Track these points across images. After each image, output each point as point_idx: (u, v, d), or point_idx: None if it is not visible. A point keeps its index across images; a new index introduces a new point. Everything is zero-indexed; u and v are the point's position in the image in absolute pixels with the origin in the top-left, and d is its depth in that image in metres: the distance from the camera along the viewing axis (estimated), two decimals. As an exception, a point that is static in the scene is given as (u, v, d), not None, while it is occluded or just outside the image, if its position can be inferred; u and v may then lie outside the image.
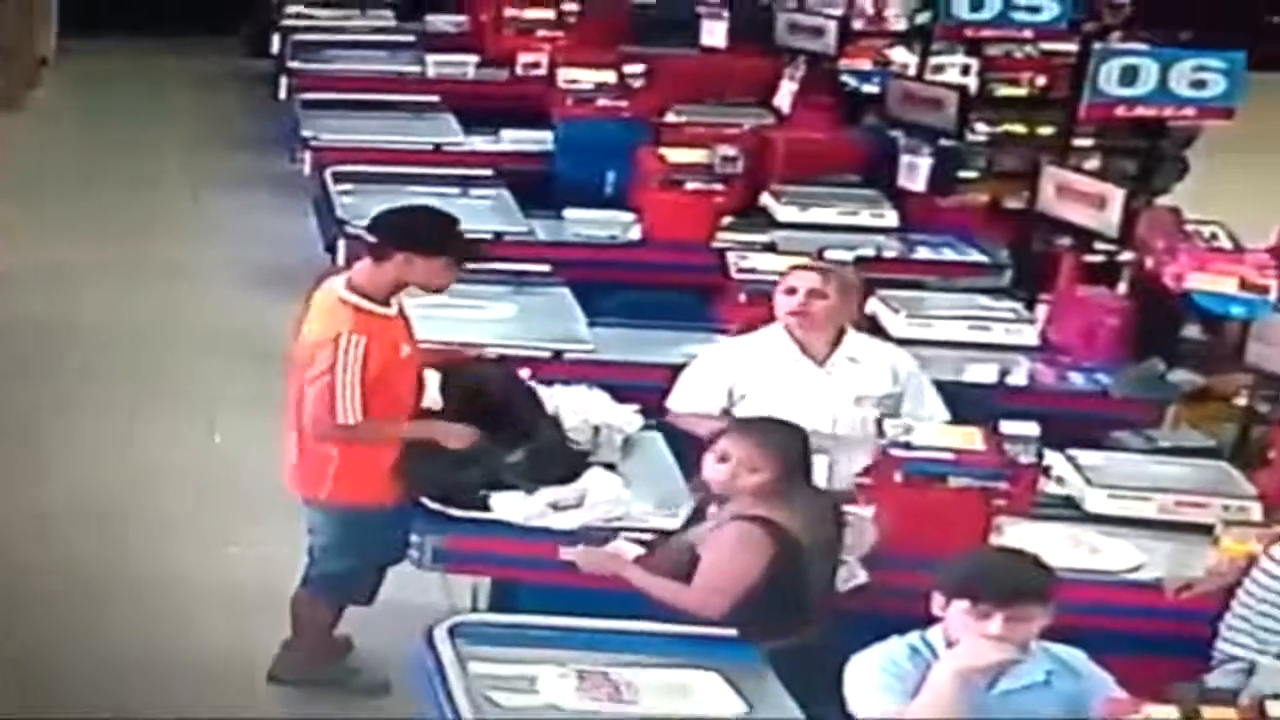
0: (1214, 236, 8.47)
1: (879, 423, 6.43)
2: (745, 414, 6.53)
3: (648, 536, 6.01)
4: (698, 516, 5.90)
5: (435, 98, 11.92)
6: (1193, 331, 8.27)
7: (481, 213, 9.53)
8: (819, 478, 6.05)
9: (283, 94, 12.56)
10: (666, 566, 5.75)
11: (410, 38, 13.63)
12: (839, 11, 12.30)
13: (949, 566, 4.88)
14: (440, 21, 14.19)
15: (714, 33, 12.68)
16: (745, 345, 6.85)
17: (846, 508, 5.96)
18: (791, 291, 6.71)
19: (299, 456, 6.60)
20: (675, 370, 7.42)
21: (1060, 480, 6.69)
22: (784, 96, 11.47)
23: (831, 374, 6.67)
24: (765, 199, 9.96)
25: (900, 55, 12.29)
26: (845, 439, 6.50)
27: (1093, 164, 10.44)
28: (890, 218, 9.91)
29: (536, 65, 12.24)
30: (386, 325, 6.46)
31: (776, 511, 5.64)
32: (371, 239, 6.61)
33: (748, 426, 5.94)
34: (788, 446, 5.77)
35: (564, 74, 11.64)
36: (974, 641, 4.67)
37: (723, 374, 6.75)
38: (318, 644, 6.88)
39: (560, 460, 6.41)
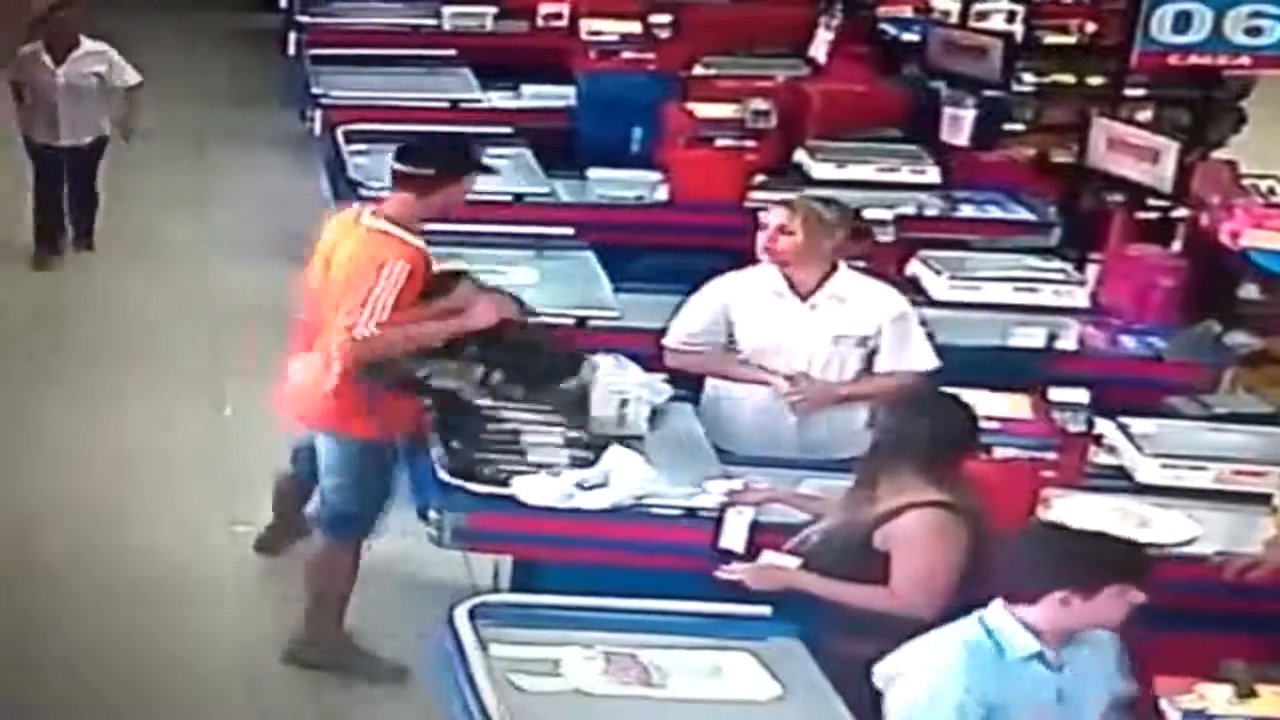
0: (1272, 191, 8.50)
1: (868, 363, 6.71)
2: (739, 348, 6.85)
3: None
4: (852, 502, 5.78)
5: (451, 51, 11.92)
6: (1250, 291, 8.30)
7: (501, 173, 9.54)
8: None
9: (291, 49, 12.57)
10: (830, 566, 5.65)
11: (425, -12, 13.63)
12: (877, -45, 12.31)
13: (1097, 555, 4.82)
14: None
15: (745, -21, 12.67)
16: (739, 280, 7.03)
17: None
18: (764, 227, 6.93)
19: (308, 384, 6.84)
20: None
21: (1111, 449, 6.72)
22: (819, 46, 11.43)
23: (814, 311, 6.81)
24: (800, 155, 9.96)
25: (942, 1, 12.28)
26: (820, 379, 6.77)
27: (1145, 115, 10.47)
28: (932, 174, 9.91)
29: (558, 16, 12.22)
30: (422, 257, 6.75)
31: (947, 490, 5.57)
32: (427, 171, 6.85)
33: (905, 399, 5.94)
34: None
35: (587, 25, 11.67)
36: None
37: (717, 307, 6.98)
38: (340, 606, 7.01)
39: (544, 364, 6.68)
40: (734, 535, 5.98)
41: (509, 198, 9.12)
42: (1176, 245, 8.61)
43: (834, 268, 6.86)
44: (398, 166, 6.91)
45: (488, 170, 7.19)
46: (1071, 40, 12.09)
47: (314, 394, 6.80)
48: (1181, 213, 8.69)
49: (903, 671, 4.79)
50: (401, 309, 6.59)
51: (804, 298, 6.83)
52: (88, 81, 10.88)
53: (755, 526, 5.96)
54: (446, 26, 12.47)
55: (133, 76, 11.02)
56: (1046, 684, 4.78)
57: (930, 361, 6.81)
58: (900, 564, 5.55)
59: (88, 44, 10.93)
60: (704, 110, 9.71)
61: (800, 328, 6.81)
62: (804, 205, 6.98)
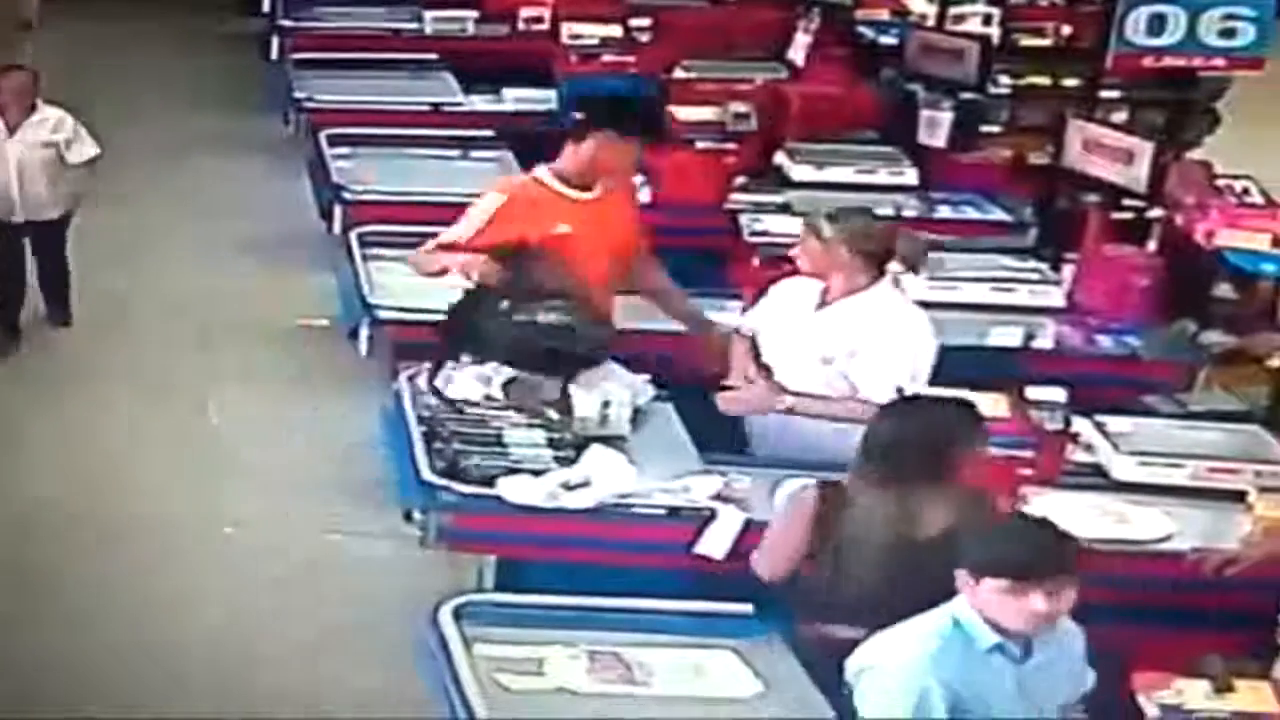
0: (1246, 191, 8.53)
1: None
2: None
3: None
4: None
5: (433, 55, 11.96)
6: (1224, 291, 8.31)
7: (483, 176, 9.54)
8: None
9: (274, 54, 12.60)
10: None
11: (407, -8, 13.63)
12: (855, -40, 12.34)
13: (979, 543, 4.91)
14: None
15: (724, -17, 12.71)
16: (793, 283, 6.93)
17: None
18: None
19: None
20: (684, 338, 7.49)
21: (1088, 447, 6.73)
22: (798, 49, 11.46)
23: (813, 323, 6.69)
24: (779, 158, 9.98)
25: (919, 5, 12.29)
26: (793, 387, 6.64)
27: (1120, 117, 10.46)
28: (909, 175, 9.94)
29: (539, 20, 12.27)
30: (549, 199, 7.03)
31: (861, 483, 5.55)
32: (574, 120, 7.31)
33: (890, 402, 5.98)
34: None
35: (568, 29, 11.71)
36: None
37: (767, 304, 6.95)
38: None
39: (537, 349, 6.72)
40: (717, 539, 6.00)
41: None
42: (1151, 245, 8.61)
43: (873, 282, 6.67)
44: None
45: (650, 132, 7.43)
46: (1047, 43, 12.10)
47: None
48: (1156, 213, 8.71)
49: (873, 664, 4.83)
50: (492, 239, 6.84)
51: (817, 309, 6.71)
52: (45, 152, 9.64)
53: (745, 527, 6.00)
54: (428, 31, 12.51)
55: (91, 149, 9.79)
56: (1007, 675, 4.81)
57: (883, 396, 6.25)
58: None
59: (45, 110, 9.73)
60: (684, 113, 9.73)
61: (792, 337, 6.70)
62: (814, 217, 6.85)
